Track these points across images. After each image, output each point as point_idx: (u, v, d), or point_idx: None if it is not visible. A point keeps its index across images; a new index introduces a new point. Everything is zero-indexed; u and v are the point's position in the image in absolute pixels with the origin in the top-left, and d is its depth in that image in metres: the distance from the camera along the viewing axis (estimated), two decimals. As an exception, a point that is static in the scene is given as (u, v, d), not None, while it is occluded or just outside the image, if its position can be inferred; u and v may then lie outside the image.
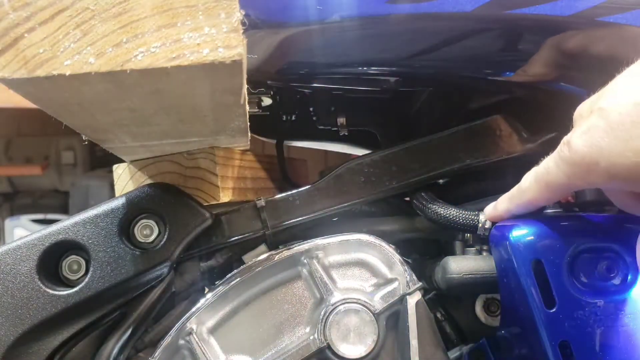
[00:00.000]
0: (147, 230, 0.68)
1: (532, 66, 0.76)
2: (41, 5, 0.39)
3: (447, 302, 0.79)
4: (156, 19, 0.40)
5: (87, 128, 0.56)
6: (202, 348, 0.67)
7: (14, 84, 0.40)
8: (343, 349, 0.67)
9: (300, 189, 0.78)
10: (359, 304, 0.68)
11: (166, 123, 0.56)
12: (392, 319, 0.69)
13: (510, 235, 0.65)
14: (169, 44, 0.40)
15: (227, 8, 0.40)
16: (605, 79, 0.57)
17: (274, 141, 1.03)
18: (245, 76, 0.46)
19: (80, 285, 0.66)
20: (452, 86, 0.89)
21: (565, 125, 0.60)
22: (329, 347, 0.66)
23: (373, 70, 0.83)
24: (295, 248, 0.71)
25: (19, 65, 0.39)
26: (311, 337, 0.68)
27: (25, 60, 0.39)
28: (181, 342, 0.68)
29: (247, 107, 0.57)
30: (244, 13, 0.41)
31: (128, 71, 0.39)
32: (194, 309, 0.68)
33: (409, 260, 0.82)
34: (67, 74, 0.39)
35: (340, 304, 0.68)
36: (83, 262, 0.67)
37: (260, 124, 0.99)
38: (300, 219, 0.77)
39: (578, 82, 0.80)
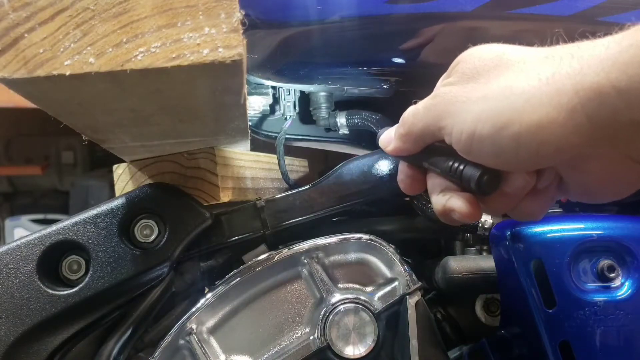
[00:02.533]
0: (147, 230, 0.68)
1: None
2: (41, 5, 0.39)
3: (447, 302, 0.79)
4: (156, 19, 0.40)
5: (87, 128, 0.56)
6: (202, 348, 0.67)
7: (14, 84, 0.40)
8: (343, 348, 0.67)
9: (300, 189, 0.78)
10: (359, 304, 0.68)
11: (166, 123, 0.56)
12: (392, 319, 0.69)
13: (511, 235, 0.65)
14: (169, 44, 0.40)
15: (227, 8, 0.40)
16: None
17: (274, 141, 1.03)
18: (245, 76, 0.46)
19: (80, 285, 0.66)
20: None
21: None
22: (329, 347, 0.67)
23: (373, 70, 0.83)
24: (295, 248, 0.71)
25: (19, 65, 0.39)
26: (311, 337, 0.68)
27: (26, 60, 0.39)
28: (181, 342, 0.68)
29: (247, 107, 0.57)
30: (244, 13, 0.41)
31: (128, 71, 0.39)
32: (194, 309, 0.68)
33: (409, 260, 0.82)
34: (67, 74, 0.39)
35: (340, 304, 0.68)
36: (83, 262, 0.67)
37: (260, 123, 0.99)
38: (300, 219, 0.77)
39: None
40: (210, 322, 0.69)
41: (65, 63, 0.39)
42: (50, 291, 0.65)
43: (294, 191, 0.78)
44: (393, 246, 0.72)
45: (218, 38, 0.40)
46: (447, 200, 0.52)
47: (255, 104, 0.95)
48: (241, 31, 0.40)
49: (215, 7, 0.40)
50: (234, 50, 0.40)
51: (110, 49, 0.40)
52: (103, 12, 0.40)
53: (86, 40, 0.39)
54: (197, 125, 0.60)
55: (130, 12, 0.40)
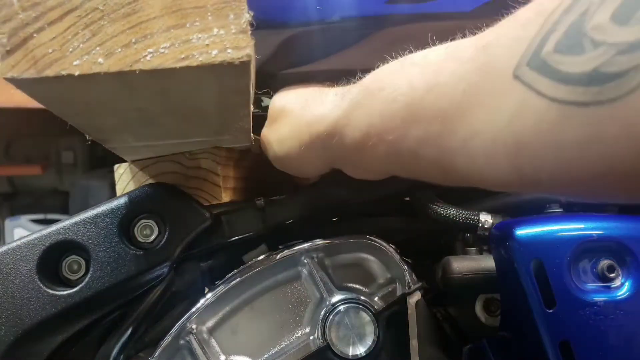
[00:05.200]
0: (147, 230, 0.68)
1: None
2: (50, 5, 0.39)
3: (447, 302, 0.79)
4: (165, 19, 0.40)
5: (92, 128, 0.56)
6: (202, 348, 0.67)
7: (23, 84, 0.40)
8: (343, 349, 0.67)
9: (300, 189, 0.78)
10: (359, 304, 0.68)
11: (171, 123, 0.56)
12: (392, 319, 0.69)
13: (511, 235, 0.65)
14: (178, 44, 0.40)
15: (235, 9, 0.40)
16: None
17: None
18: (252, 77, 0.46)
19: (80, 285, 0.65)
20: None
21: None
22: (328, 347, 0.67)
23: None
24: (295, 248, 0.71)
25: (28, 65, 0.39)
26: (311, 337, 0.68)
27: (35, 60, 0.39)
28: (181, 342, 0.68)
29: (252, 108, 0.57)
30: (252, 14, 0.41)
31: (137, 71, 0.39)
32: (194, 309, 0.68)
33: (409, 260, 0.82)
34: (76, 74, 0.39)
35: (340, 304, 0.68)
36: (83, 262, 0.67)
37: (261, 123, 0.99)
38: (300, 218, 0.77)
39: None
40: (210, 322, 0.69)
41: (74, 63, 0.39)
42: (50, 291, 0.65)
43: (294, 191, 0.78)
44: (393, 246, 0.72)
45: (227, 39, 0.40)
46: None
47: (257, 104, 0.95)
48: (249, 32, 0.40)
49: (224, 8, 0.40)
50: (243, 51, 0.40)
51: (119, 50, 0.40)
52: (112, 12, 0.40)
53: (95, 40, 0.39)
54: (202, 125, 0.60)
55: (139, 12, 0.40)
